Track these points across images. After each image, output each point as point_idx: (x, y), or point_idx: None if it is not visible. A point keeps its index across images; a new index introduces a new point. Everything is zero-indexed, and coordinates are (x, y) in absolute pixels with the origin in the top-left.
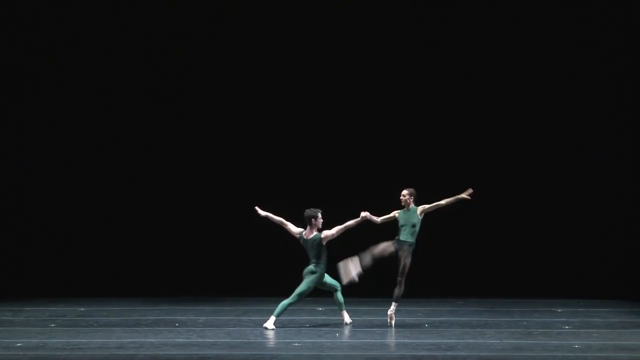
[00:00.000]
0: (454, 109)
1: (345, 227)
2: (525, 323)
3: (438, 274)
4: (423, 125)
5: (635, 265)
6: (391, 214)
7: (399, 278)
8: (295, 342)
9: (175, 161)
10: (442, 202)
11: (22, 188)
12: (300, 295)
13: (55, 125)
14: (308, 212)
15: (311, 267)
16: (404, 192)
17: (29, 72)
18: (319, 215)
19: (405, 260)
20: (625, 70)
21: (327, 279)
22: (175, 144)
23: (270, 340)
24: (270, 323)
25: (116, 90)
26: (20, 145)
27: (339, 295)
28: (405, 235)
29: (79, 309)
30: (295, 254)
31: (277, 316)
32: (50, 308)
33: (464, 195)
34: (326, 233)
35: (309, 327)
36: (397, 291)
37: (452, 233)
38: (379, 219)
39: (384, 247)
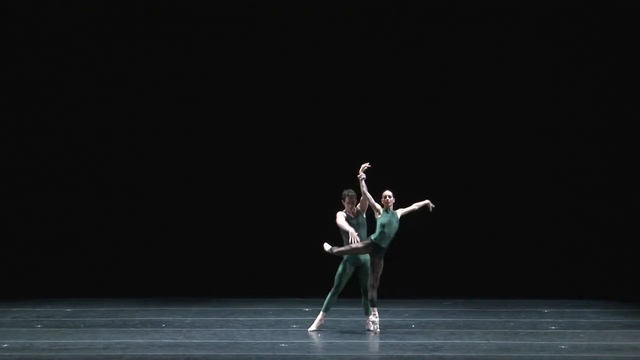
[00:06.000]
0: (448, 110)
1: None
2: (512, 323)
3: (425, 274)
4: (415, 126)
5: (622, 266)
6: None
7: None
8: (282, 343)
9: (164, 163)
10: (414, 206)
11: (9, 188)
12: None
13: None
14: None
15: None
16: (390, 192)
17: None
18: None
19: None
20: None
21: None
22: (169, 145)
23: (258, 341)
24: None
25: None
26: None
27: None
28: (389, 242)
29: (66, 309)
30: (282, 254)
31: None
32: (37, 309)
33: (427, 202)
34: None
35: (296, 327)
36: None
37: (439, 233)
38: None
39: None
